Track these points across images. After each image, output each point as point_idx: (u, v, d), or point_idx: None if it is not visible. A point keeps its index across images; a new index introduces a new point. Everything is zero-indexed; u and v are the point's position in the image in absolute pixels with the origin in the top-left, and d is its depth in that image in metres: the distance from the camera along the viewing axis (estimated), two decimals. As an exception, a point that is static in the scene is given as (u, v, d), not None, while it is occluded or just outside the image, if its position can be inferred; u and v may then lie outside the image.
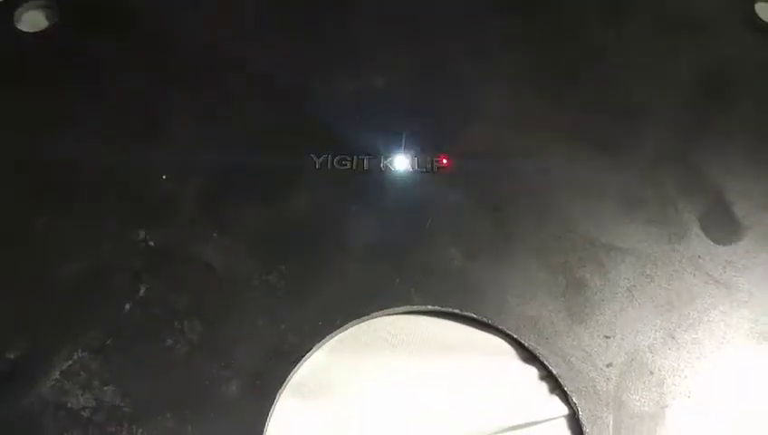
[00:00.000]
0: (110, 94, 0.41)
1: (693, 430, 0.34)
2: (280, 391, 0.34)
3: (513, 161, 0.40)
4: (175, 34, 0.43)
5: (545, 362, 0.35)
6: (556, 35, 0.44)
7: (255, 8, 0.45)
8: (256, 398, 0.33)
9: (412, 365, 0.36)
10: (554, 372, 0.35)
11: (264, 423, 0.33)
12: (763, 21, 0.45)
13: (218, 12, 0.44)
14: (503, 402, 0.35)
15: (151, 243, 0.37)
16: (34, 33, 0.42)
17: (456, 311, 0.36)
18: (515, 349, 0.36)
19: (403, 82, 0.42)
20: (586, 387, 0.34)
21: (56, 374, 0.34)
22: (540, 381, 0.35)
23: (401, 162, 0.39)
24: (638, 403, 0.34)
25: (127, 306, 0.35)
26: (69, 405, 0.33)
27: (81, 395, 0.33)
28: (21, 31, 0.42)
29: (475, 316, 0.36)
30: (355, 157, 0.39)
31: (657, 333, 0.36)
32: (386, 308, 0.36)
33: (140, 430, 0.33)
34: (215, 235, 0.37)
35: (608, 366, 0.35)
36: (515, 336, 0.36)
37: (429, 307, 0.36)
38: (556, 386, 0.35)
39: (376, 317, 0.36)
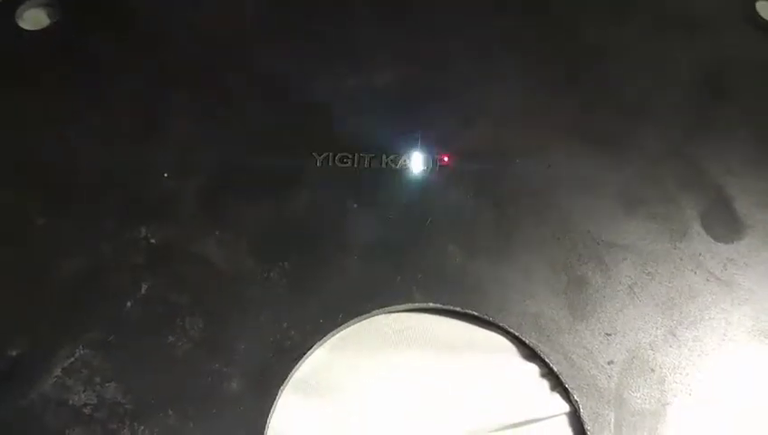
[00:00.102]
0: (112, 92, 0.41)
1: (694, 427, 0.34)
2: (282, 388, 0.34)
3: (514, 159, 0.40)
4: (176, 33, 0.43)
5: (546, 360, 0.35)
6: (557, 33, 0.44)
7: (256, 7, 0.45)
8: (258, 395, 0.33)
9: (413, 363, 0.36)
10: (555, 369, 0.35)
11: (265, 420, 0.33)
12: (763, 19, 0.45)
13: (219, 11, 0.44)
14: (504, 400, 0.35)
15: (153, 240, 0.37)
16: (36, 31, 0.42)
17: (458, 308, 0.36)
18: (516, 346, 0.36)
19: (405, 81, 0.42)
20: (587, 384, 0.34)
21: (58, 371, 0.34)
22: (541, 379, 0.35)
23: (403, 160, 0.39)
24: (639, 401, 0.34)
25: (128, 304, 0.35)
26: (70, 402, 0.33)
27: (83, 392, 0.33)
28: (23, 28, 0.42)
29: (476, 314, 0.36)
30: (356, 155, 0.39)
31: (659, 331, 0.36)
32: (387, 306, 0.36)
33: (142, 427, 0.33)
34: (216, 232, 0.37)
35: (609, 363, 0.35)
36: (516, 334, 0.36)
37: (430, 305, 0.36)
38: (557, 383, 0.35)
39: (377, 315, 0.36)
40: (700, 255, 0.38)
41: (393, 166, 0.39)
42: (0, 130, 0.40)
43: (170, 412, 0.33)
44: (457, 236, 0.37)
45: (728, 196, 0.39)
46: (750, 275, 0.37)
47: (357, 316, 0.36)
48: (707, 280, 0.37)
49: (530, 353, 0.36)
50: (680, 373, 0.35)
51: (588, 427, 0.34)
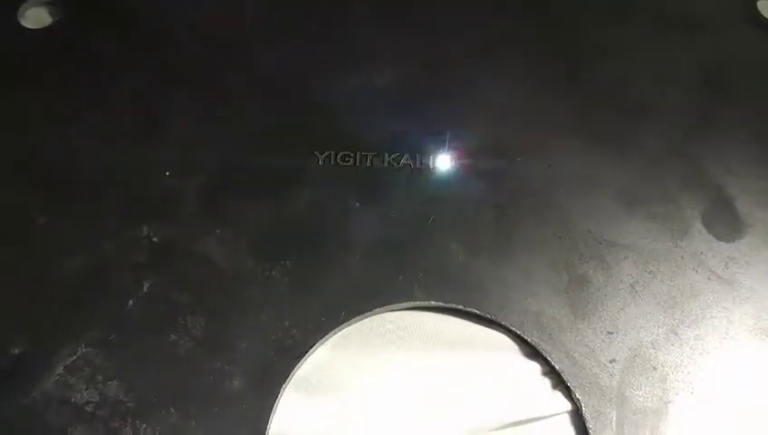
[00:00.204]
0: (113, 91, 0.41)
1: (696, 425, 0.34)
2: (284, 386, 0.34)
3: (516, 158, 0.40)
4: (177, 33, 0.43)
5: (548, 358, 0.35)
6: (558, 33, 0.44)
7: (257, 6, 0.45)
8: (260, 393, 0.34)
9: (415, 361, 0.36)
10: (557, 367, 0.35)
11: (267, 418, 0.33)
12: (765, 18, 0.45)
13: (220, 10, 0.44)
14: (506, 398, 0.35)
15: (155, 239, 0.37)
16: (38, 30, 0.42)
17: (460, 307, 0.36)
18: (518, 345, 0.36)
19: (406, 80, 0.42)
20: (589, 383, 0.34)
21: (60, 370, 0.34)
22: (543, 377, 0.35)
23: (404, 159, 0.39)
24: (640, 399, 0.34)
25: (130, 302, 0.35)
26: (73, 400, 0.33)
27: (85, 390, 0.33)
28: (24, 27, 0.42)
29: (478, 312, 0.36)
30: (358, 154, 0.39)
31: (660, 330, 0.36)
32: (389, 304, 0.36)
33: (144, 425, 0.33)
34: (218, 231, 0.37)
35: (611, 362, 0.35)
36: (518, 332, 0.36)
37: (432, 303, 0.36)
38: (559, 382, 0.35)
39: (379, 313, 0.36)
40: (701, 253, 0.38)
41: (395, 165, 0.39)
42: (2, 128, 0.40)
43: (172, 411, 0.33)
44: (459, 235, 0.38)
45: (729, 195, 0.39)
46: (751, 273, 0.37)
47: (359, 315, 0.36)
48: (709, 279, 0.37)
49: (532, 352, 0.36)
50: (682, 372, 0.35)
51: (590, 425, 0.34)
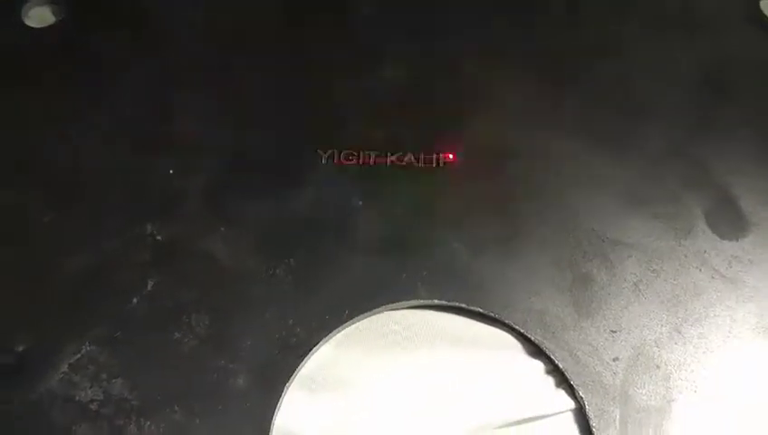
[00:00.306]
0: (117, 90, 0.41)
1: (699, 423, 0.34)
2: (287, 384, 0.34)
3: (520, 156, 0.40)
4: (181, 30, 0.43)
5: (552, 357, 0.35)
6: (563, 31, 0.44)
7: (261, 4, 0.45)
8: (264, 391, 0.34)
9: (419, 359, 0.36)
10: (561, 366, 0.35)
11: (271, 416, 0.33)
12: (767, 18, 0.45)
13: (224, 8, 0.44)
14: (509, 396, 0.35)
15: (159, 237, 0.37)
16: (41, 29, 0.42)
17: (463, 305, 0.36)
18: (522, 343, 0.36)
19: (410, 78, 0.42)
20: (593, 381, 0.35)
21: (65, 367, 0.34)
22: (546, 376, 0.35)
23: (407, 157, 0.39)
24: (644, 397, 0.34)
25: (135, 300, 0.35)
26: (77, 398, 0.33)
27: (90, 388, 0.33)
28: (28, 26, 0.42)
29: (481, 310, 0.36)
30: (361, 152, 0.39)
31: (664, 328, 0.36)
32: (392, 302, 0.36)
33: (148, 423, 0.33)
34: (222, 229, 0.37)
35: (614, 360, 0.35)
36: (522, 330, 0.36)
37: (436, 302, 0.36)
38: (563, 380, 0.35)
39: (383, 311, 0.36)
40: (705, 252, 0.38)
41: (398, 163, 0.39)
42: (5, 127, 0.40)
43: (176, 408, 0.33)
44: (462, 234, 0.38)
45: (733, 194, 0.39)
46: (755, 272, 0.37)
47: (362, 313, 0.36)
48: (712, 277, 0.37)
49: (535, 350, 0.36)
50: (685, 370, 0.35)
51: (593, 423, 0.34)
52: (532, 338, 0.35)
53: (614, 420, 0.34)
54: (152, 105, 0.41)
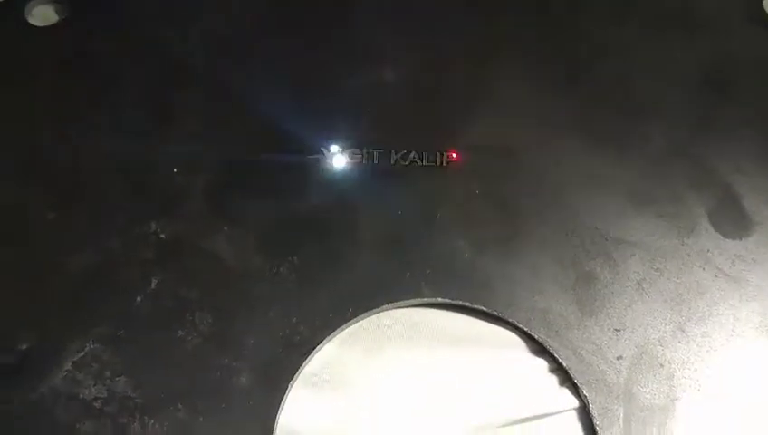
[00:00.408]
0: (121, 88, 0.41)
1: (702, 422, 0.34)
2: (291, 382, 0.34)
3: (522, 155, 0.40)
4: (184, 30, 0.43)
5: (555, 355, 0.35)
6: (567, 30, 0.44)
7: (262, 3, 0.45)
8: (268, 389, 0.34)
9: (422, 358, 0.36)
10: (564, 364, 0.35)
11: (275, 414, 0.33)
12: (771, 17, 0.45)
13: (228, 6, 0.44)
14: (513, 395, 0.35)
15: (162, 236, 0.37)
16: (45, 28, 0.42)
17: (467, 304, 0.36)
18: (525, 342, 0.36)
19: (413, 77, 0.42)
20: (596, 379, 0.35)
21: (68, 365, 0.34)
22: (550, 374, 0.35)
23: (411, 156, 0.39)
24: (648, 396, 0.34)
25: (138, 298, 0.35)
26: (81, 396, 0.33)
27: (93, 386, 0.33)
28: (31, 25, 0.42)
29: (485, 309, 0.36)
30: (365, 150, 0.39)
31: (667, 327, 0.36)
32: (396, 301, 0.36)
33: (152, 421, 0.33)
34: (225, 228, 0.37)
35: (618, 359, 0.35)
36: (525, 329, 0.36)
37: (439, 300, 0.36)
38: (566, 379, 0.35)
39: (386, 310, 0.36)
40: (708, 251, 0.38)
41: (402, 162, 0.39)
42: (9, 126, 0.40)
43: (180, 406, 0.33)
44: (466, 232, 0.38)
45: (736, 193, 0.39)
46: (758, 271, 0.37)
47: (366, 311, 0.36)
48: (716, 276, 0.37)
49: (539, 349, 0.36)
50: (689, 369, 0.35)
51: (597, 422, 0.34)
52: (536, 337, 0.35)
53: (618, 419, 0.34)
54: (154, 103, 0.41)
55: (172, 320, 0.35)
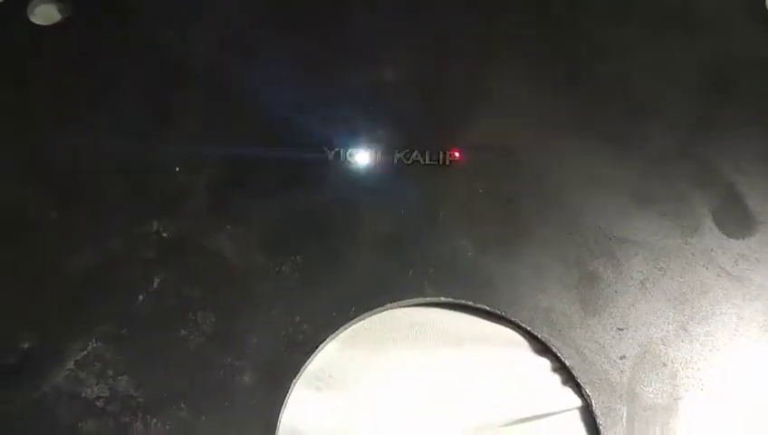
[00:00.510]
0: (123, 87, 0.41)
1: (706, 421, 0.34)
2: (294, 381, 0.34)
3: (526, 154, 0.40)
4: (186, 28, 0.43)
5: (558, 354, 0.35)
6: (570, 29, 0.44)
7: (263, 2, 0.45)
8: (270, 388, 0.34)
9: (425, 357, 0.36)
10: (567, 363, 0.35)
11: (278, 413, 0.33)
12: (774, 16, 0.45)
13: (228, 5, 0.44)
14: (516, 394, 0.35)
15: (165, 234, 0.37)
16: (47, 27, 0.42)
17: (469, 303, 0.36)
18: (528, 341, 0.36)
19: (415, 75, 0.42)
20: (599, 379, 0.35)
21: (71, 364, 0.34)
22: (553, 373, 0.35)
23: (413, 155, 0.39)
24: (651, 395, 0.34)
25: (140, 297, 0.35)
26: (83, 395, 0.33)
27: (96, 385, 0.33)
28: (34, 24, 0.42)
29: (487, 308, 0.36)
30: (367, 149, 0.39)
31: (670, 326, 0.36)
32: (399, 300, 0.36)
33: (154, 420, 0.33)
34: (228, 226, 0.37)
35: (621, 358, 0.35)
36: (528, 328, 0.36)
37: (442, 299, 0.36)
38: (569, 378, 0.35)
39: (389, 309, 0.36)
40: (712, 250, 0.38)
41: (405, 161, 0.39)
42: (11, 124, 0.40)
43: (183, 406, 0.33)
44: (469, 231, 0.37)
45: (740, 192, 0.39)
46: (761, 270, 0.37)
47: (369, 310, 0.36)
48: (719, 275, 0.37)
49: (542, 348, 0.36)
50: (692, 368, 0.35)
51: (600, 421, 0.34)
52: (539, 336, 0.35)
53: (621, 418, 0.34)
54: (157, 102, 0.40)
55: (174, 319, 0.35)
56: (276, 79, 0.42)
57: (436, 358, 0.36)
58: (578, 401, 0.35)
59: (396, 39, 0.43)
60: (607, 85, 0.42)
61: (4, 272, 0.36)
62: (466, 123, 0.41)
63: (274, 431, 0.33)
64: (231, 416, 0.33)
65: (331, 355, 0.35)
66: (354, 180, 0.39)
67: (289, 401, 0.34)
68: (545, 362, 0.36)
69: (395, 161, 0.39)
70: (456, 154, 0.39)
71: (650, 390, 0.34)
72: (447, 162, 0.39)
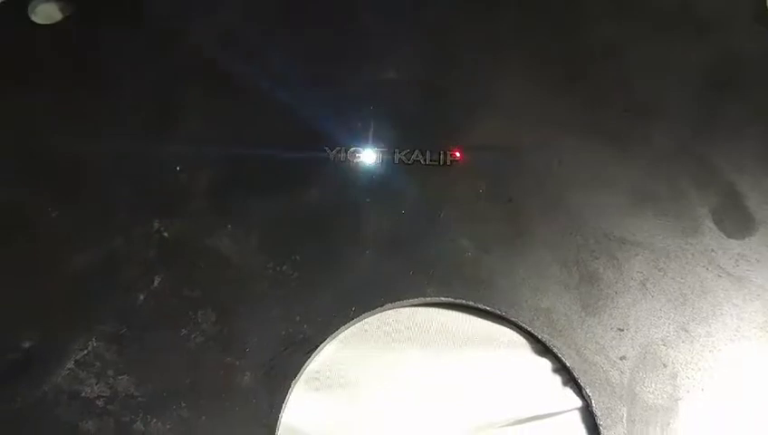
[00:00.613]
0: (124, 87, 0.41)
1: (706, 422, 0.34)
2: (294, 381, 0.34)
3: (526, 154, 0.40)
4: (188, 27, 0.43)
5: (559, 355, 0.35)
6: (570, 29, 0.44)
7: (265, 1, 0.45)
8: (270, 388, 0.34)
9: (425, 357, 0.36)
10: (568, 364, 0.35)
11: (278, 413, 0.33)
12: (775, 15, 0.45)
13: (231, 4, 0.44)
14: (516, 394, 0.35)
15: (165, 234, 0.37)
16: (48, 26, 0.42)
17: (470, 303, 0.36)
18: (529, 341, 0.36)
19: (416, 75, 0.42)
20: (599, 379, 0.34)
21: (71, 364, 0.34)
22: (553, 374, 0.35)
23: (414, 154, 0.39)
24: (651, 396, 0.34)
25: (141, 296, 0.35)
26: (83, 394, 0.33)
27: (96, 384, 0.33)
28: (35, 23, 0.42)
29: (488, 308, 0.36)
30: (368, 149, 0.39)
31: (671, 326, 0.36)
32: (399, 300, 0.36)
33: (155, 420, 0.33)
34: (228, 226, 0.37)
35: (621, 359, 0.35)
36: (529, 328, 0.36)
37: (443, 299, 0.36)
38: (569, 378, 0.35)
39: (389, 309, 0.36)
40: (712, 251, 0.37)
41: (405, 160, 0.39)
42: (13, 123, 0.40)
43: (183, 405, 0.33)
44: (469, 231, 0.37)
45: (740, 192, 0.39)
46: (762, 270, 0.37)
47: (369, 310, 0.36)
48: (719, 276, 0.37)
49: (542, 348, 0.36)
50: (692, 369, 0.35)
51: (600, 422, 0.34)
52: (539, 336, 0.35)
53: (621, 419, 0.34)
54: (159, 101, 0.40)
55: (175, 318, 0.35)
56: (277, 79, 0.42)
57: (437, 358, 0.36)
58: (578, 402, 0.35)
59: (397, 39, 0.43)
60: (607, 85, 0.42)
61: (4, 272, 0.36)
62: (467, 123, 0.41)
63: (274, 431, 0.33)
64: (231, 416, 0.33)
65: (331, 355, 0.35)
66: (355, 180, 0.39)
67: (289, 401, 0.34)
68: (546, 363, 0.36)
69: (396, 161, 0.39)
70: (457, 154, 0.39)
71: (651, 390, 0.34)
72: (448, 162, 0.39)
